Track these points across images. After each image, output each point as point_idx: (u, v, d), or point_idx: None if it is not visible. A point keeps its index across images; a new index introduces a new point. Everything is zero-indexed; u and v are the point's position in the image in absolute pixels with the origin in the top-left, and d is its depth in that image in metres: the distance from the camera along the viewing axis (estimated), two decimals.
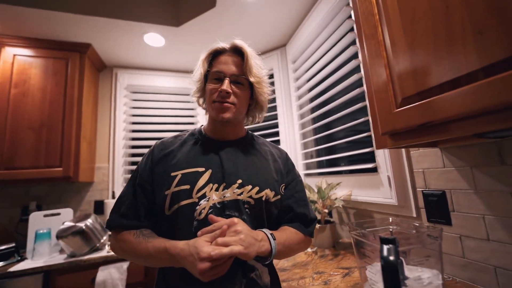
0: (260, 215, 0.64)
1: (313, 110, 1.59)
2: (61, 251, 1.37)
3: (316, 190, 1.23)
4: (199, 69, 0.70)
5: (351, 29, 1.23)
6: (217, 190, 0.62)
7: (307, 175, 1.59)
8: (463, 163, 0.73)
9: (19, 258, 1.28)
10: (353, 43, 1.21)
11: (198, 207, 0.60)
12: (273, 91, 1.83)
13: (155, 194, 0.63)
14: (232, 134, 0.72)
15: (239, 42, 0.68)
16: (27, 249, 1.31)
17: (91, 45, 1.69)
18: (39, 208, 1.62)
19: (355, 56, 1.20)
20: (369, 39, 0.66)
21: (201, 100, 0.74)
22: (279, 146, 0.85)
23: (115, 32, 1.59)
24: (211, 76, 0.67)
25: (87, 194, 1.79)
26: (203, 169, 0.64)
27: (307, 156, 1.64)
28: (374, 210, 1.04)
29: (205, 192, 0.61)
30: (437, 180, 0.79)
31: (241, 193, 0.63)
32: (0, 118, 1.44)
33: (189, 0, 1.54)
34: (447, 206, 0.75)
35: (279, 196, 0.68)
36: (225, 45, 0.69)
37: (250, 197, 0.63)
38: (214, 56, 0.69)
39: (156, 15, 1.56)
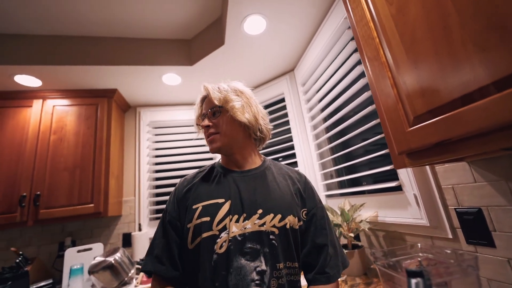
0: (287, 244, 0.62)
1: (328, 129, 1.58)
2: (93, 286, 1.41)
3: (339, 213, 1.17)
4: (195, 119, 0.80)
5: (356, 50, 1.25)
6: (237, 221, 0.61)
7: (328, 196, 1.54)
8: (496, 176, 0.67)
9: None
10: (359, 62, 1.23)
11: (218, 240, 0.59)
12: (286, 115, 1.86)
13: (183, 230, 0.65)
14: (245, 163, 0.73)
15: (204, 84, 0.75)
16: (63, 284, 1.37)
17: (116, 90, 1.87)
18: (73, 243, 1.71)
19: (363, 74, 1.21)
20: (372, 61, 0.67)
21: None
22: (298, 170, 0.84)
23: (137, 76, 1.75)
24: (197, 122, 0.78)
25: (115, 228, 1.87)
26: (222, 200, 0.64)
27: (326, 176, 1.60)
28: (405, 232, 0.97)
29: (225, 224, 0.61)
30: (469, 196, 0.73)
31: (263, 224, 0.61)
32: (41, 162, 1.60)
33: (200, 41, 1.68)
34: (486, 225, 0.68)
35: (301, 222, 0.66)
36: (201, 97, 0.78)
37: (274, 226, 0.62)
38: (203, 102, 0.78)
39: (172, 57, 1.71)
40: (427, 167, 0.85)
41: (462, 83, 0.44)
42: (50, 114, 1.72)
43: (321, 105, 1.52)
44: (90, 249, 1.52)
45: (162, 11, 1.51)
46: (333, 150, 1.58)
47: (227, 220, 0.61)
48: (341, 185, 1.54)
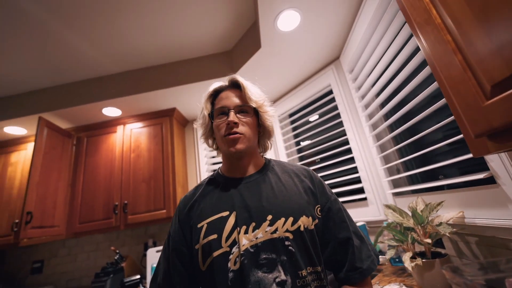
0: (306, 248, 0.57)
1: (387, 116, 1.37)
2: None
3: (410, 214, 0.99)
4: (202, 112, 0.71)
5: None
6: (246, 232, 0.56)
7: (396, 194, 1.32)
8: None
9: (143, 287, 1.58)
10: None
11: (231, 257, 0.54)
12: (335, 107, 1.71)
13: (192, 253, 0.60)
14: (250, 166, 0.69)
15: (234, 76, 0.71)
16: (147, 280, 1.61)
17: (175, 108, 2.12)
18: (155, 244, 2.00)
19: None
20: (423, 27, 0.55)
21: (210, 141, 0.74)
22: (301, 165, 0.77)
23: (189, 93, 1.94)
24: (216, 113, 0.67)
25: None
26: (227, 213, 0.59)
27: (391, 171, 1.38)
28: (509, 238, 0.73)
29: (234, 237, 0.56)
30: None
31: (275, 230, 0.56)
32: (126, 176, 1.95)
33: (239, 49, 1.74)
34: None
35: (316, 221, 0.60)
36: (222, 83, 0.72)
37: (287, 231, 0.56)
38: (215, 96, 0.71)
39: (217, 70, 1.82)
40: None
41: None
42: (129, 136, 2.08)
43: (374, 90, 1.34)
44: None
45: (201, 29, 1.63)
46: (397, 140, 1.35)
47: (235, 234, 0.56)
48: (412, 180, 1.30)
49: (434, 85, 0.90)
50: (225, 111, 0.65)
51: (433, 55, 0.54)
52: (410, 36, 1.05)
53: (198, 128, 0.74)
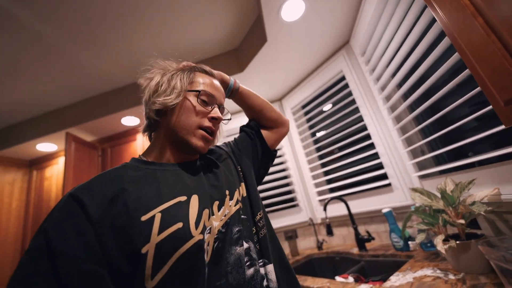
0: (249, 212, 0.60)
1: (406, 96, 1.30)
2: None
3: (439, 196, 0.94)
4: (172, 77, 0.57)
5: None
6: (212, 214, 0.49)
7: (422, 177, 1.26)
8: None
9: None
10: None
11: (207, 246, 0.44)
12: (349, 93, 1.66)
13: (117, 274, 0.37)
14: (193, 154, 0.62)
15: (216, 74, 0.69)
16: None
17: None
18: None
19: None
20: None
21: (155, 115, 0.55)
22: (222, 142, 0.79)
23: None
24: (202, 94, 0.56)
25: None
26: (184, 197, 0.47)
27: (416, 153, 1.32)
28: None
29: (204, 222, 0.45)
30: None
31: (236, 203, 0.56)
32: None
33: (245, 46, 1.74)
34: None
35: (243, 183, 0.64)
36: (211, 70, 0.66)
37: (237, 201, 0.57)
38: (195, 72, 0.61)
39: (225, 69, 1.84)
40: None
41: None
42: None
43: (390, 71, 1.28)
44: None
45: (206, 31, 1.64)
46: (418, 120, 1.29)
47: (204, 217, 0.46)
48: (439, 161, 1.24)
49: (454, 57, 0.85)
50: (211, 102, 0.58)
51: (451, 24, 0.51)
52: (424, 9, 0.99)
53: (150, 89, 0.56)
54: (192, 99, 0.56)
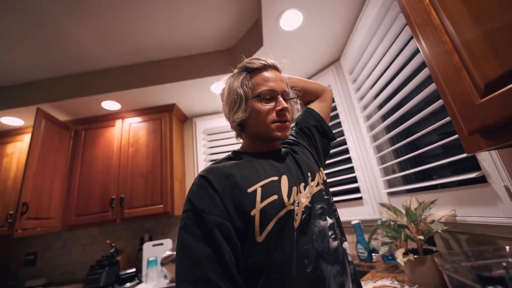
0: (329, 193, 0.67)
1: (385, 117, 1.40)
2: (165, 276, 1.61)
3: (404, 212, 1.01)
4: (237, 90, 0.63)
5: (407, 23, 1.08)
6: (300, 192, 0.59)
7: (391, 194, 1.35)
8: None
9: (138, 281, 1.58)
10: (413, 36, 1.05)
11: (296, 216, 0.54)
12: (334, 108, 1.74)
13: (236, 228, 0.50)
14: (277, 144, 0.72)
15: (272, 59, 0.70)
16: (143, 273, 1.62)
17: (175, 104, 2.12)
18: (151, 239, 2.00)
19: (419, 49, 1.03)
20: (422, 28, 0.57)
21: (237, 122, 0.65)
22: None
23: (190, 89, 1.95)
24: (263, 95, 0.62)
25: None
26: (276, 177, 0.58)
27: (387, 171, 1.41)
28: (497, 236, 0.76)
29: (293, 197, 0.56)
30: None
31: (318, 184, 0.64)
32: (123, 170, 1.95)
33: (241, 47, 1.76)
34: None
35: (321, 169, 0.73)
36: (263, 62, 0.66)
37: (318, 184, 0.64)
38: (252, 74, 0.65)
39: (217, 67, 1.84)
40: None
41: None
42: (128, 130, 2.08)
43: (373, 92, 1.36)
44: (162, 244, 1.75)
45: (203, 25, 1.64)
46: (393, 141, 1.38)
47: (293, 193, 0.56)
48: (407, 180, 1.34)
49: (430, 88, 0.93)
50: (273, 96, 0.63)
51: (431, 56, 0.56)
52: (409, 40, 1.08)
53: (227, 107, 0.67)
54: (257, 103, 0.63)
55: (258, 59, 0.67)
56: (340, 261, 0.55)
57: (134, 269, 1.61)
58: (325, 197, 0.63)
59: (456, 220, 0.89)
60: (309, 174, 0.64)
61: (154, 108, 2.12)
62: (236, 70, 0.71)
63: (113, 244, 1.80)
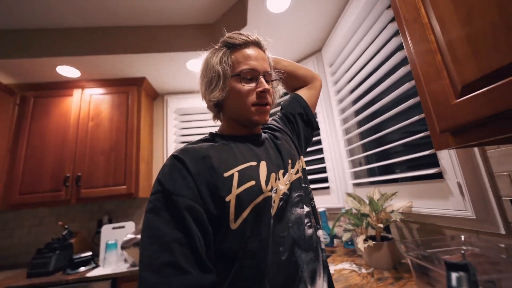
0: (306, 181, 0.66)
1: (358, 112, 1.46)
2: (125, 260, 1.53)
3: (367, 202, 1.09)
4: (215, 67, 0.58)
5: (393, 19, 1.11)
6: (278, 179, 0.57)
7: (356, 185, 1.44)
8: None
9: (94, 265, 1.48)
10: (396, 33, 1.09)
11: (273, 203, 0.52)
12: None
13: (209, 213, 0.48)
14: (258, 129, 0.67)
15: (256, 35, 0.63)
16: (100, 257, 1.51)
17: (145, 78, 1.95)
18: (110, 221, 1.87)
19: (400, 47, 1.07)
20: (410, 24, 0.57)
21: (214, 103, 0.61)
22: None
23: (163, 64, 1.80)
24: (243, 75, 0.57)
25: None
26: (255, 162, 0.55)
27: (355, 164, 1.50)
28: (444, 226, 0.86)
29: (271, 184, 0.54)
30: None
31: (297, 172, 0.63)
32: (81, 146, 1.75)
33: (222, 24, 1.65)
34: None
35: (301, 157, 0.71)
36: (245, 37, 0.60)
37: (297, 171, 0.63)
38: (232, 50, 0.59)
39: (195, 42, 1.71)
40: (476, 150, 0.73)
41: None
42: (88, 102, 1.86)
43: (350, 86, 1.40)
44: (123, 227, 1.65)
45: None
46: (363, 136, 1.46)
47: (272, 180, 0.54)
48: (371, 173, 1.43)
49: (402, 88, 0.98)
50: (255, 76, 0.58)
51: (415, 53, 0.57)
52: (388, 40, 1.11)
53: (203, 86, 0.62)
54: (237, 82, 0.58)
55: (241, 33, 0.61)
56: (314, 248, 0.55)
57: (90, 253, 1.50)
58: (303, 185, 0.63)
59: (411, 211, 0.98)
60: (289, 161, 0.62)
61: (121, 80, 1.92)
62: (217, 46, 0.64)
63: (66, 226, 1.65)
